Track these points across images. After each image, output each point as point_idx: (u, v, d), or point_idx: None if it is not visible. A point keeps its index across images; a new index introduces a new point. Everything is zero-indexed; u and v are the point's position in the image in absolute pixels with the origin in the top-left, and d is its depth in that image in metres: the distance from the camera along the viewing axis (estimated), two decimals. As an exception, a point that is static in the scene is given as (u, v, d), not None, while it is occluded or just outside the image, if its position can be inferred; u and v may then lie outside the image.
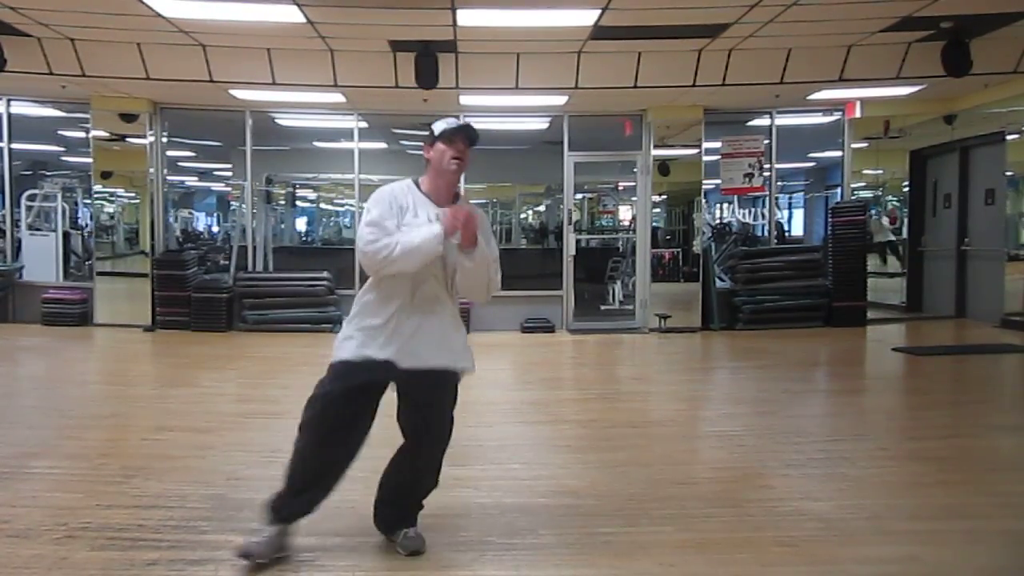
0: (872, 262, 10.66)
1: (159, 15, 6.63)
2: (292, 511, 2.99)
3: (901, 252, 11.41)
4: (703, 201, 10.26)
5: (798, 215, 14.31)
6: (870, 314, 9.83)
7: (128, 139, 9.64)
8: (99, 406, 5.77)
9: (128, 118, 9.51)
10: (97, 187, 9.85)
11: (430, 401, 3.03)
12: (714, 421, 5.59)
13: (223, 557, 3.01)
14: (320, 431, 2.94)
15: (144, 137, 9.57)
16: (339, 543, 3.17)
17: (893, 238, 11.67)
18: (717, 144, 9.98)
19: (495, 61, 8.13)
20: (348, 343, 2.96)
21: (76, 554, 3.01)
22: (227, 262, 10.53)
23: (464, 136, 2.99)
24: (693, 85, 8.38)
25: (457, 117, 3.17)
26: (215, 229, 14.79)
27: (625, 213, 13.84)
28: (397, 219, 2.90)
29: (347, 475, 4.02)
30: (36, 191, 10.19)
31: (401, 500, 3.13)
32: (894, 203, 12.06)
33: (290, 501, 2.98)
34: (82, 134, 10.00)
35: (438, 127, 3.01)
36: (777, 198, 10.90)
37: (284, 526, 2.99)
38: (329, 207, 16.42)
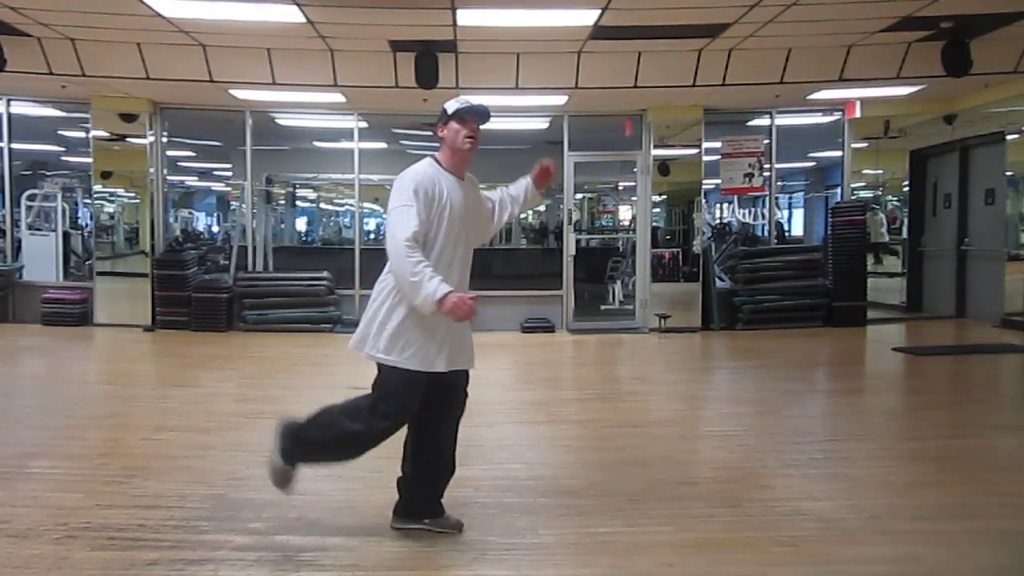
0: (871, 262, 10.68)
1: (159, 15, 6.63)
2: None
3: (898, 253, 11.42)
4: (703, 201, 10.27)
5: (798, 215, 14.32)
6: (870, 314, 9.82)
7: (128, 139, 9.63)
8: (99, 406, 5.77)
9: (128, 118, 9.50)
10: (97, 187, 9.84)
11: (462, 386, 3.25)
12: (714, 421, 5.59)
13: (223, 557, 3.02)
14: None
15: (144, 137, 9.57)
16: (339, 543, 3.16)
17: (886, 239, 11.67)
18: (717, 144, 9.98)
19: (495, 61, 8.13)
20: (416, 352, 3.02)
21: (76, 554, 3.01)
22: (227, 262, 10.53)
23: (476, 115, 3.14)
24: (693, 85, 8.38)
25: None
26: (215, 229, 14.80)
27: (625, 213, 13.84)
28: (427, 212, 2.99)
29: (347, 475, 4.04)
30: (36, 191, 10.20)
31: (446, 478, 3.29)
32: (894, 203, 12.06)
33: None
34: (82, 134, 10.00)
35: (451, 106, 3.14)
36: (777, 198, 10.90)
37: None
38: (329, 207, 16.43)
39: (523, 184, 3.44)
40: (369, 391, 3.12)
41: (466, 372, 3.22)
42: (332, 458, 3.27)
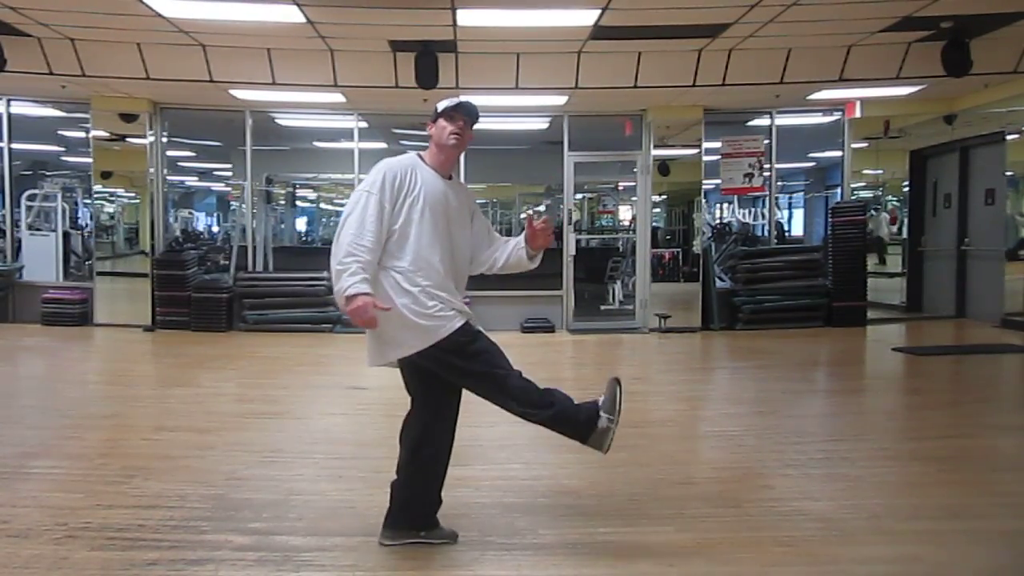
0: (872, 262, 10.69)
1: (159, 15, 6.63)
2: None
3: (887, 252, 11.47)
4: (703, 201, 10.27)
5: (798, 215, 14.30)
6: (870, 314, 9.83)
7: (128, 139, 9.64)
8: (99, 406, 5.77)
9: (128, 118, 9.51)
10: (97, 187, 9.85)
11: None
12: (714, 421, 5.59)
13: (223, 557, 3.02)
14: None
15: (144, 137, 9.57)
16: (339, 543, 3.16)
17: (885, 236, 11.69)
18: (717, 144, 9.98)
19: (495, 61, 8.13)
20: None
21: (76, 554, 3.01)
22: (227, 262, 10.53)
23: (464, 112, 3.12)
24: (693, 85, 8.38)
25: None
26: (215, 229, 14.80)
27: (625, 213, 13.85)
28: (392, 200, 2.96)
29: (347, 475, 4.05)
30: (36, 191, 10.20)
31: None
32: (894, 203, 12.06)
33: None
34: (82, 134, 10.00)
35: (441, 104, 3.14)
36: (777, 198, 10.90)
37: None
38: (329, 207, 16.43)
39: (519, 238, 3.30)
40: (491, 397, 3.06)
41: None
42: (565, 405, 3.07)
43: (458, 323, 2.97)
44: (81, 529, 3.24)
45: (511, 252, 3.26)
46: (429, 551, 3.08)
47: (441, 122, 3.10)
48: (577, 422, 3.01)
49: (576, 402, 3.05)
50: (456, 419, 3.17)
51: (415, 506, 3.13)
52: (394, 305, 2.95)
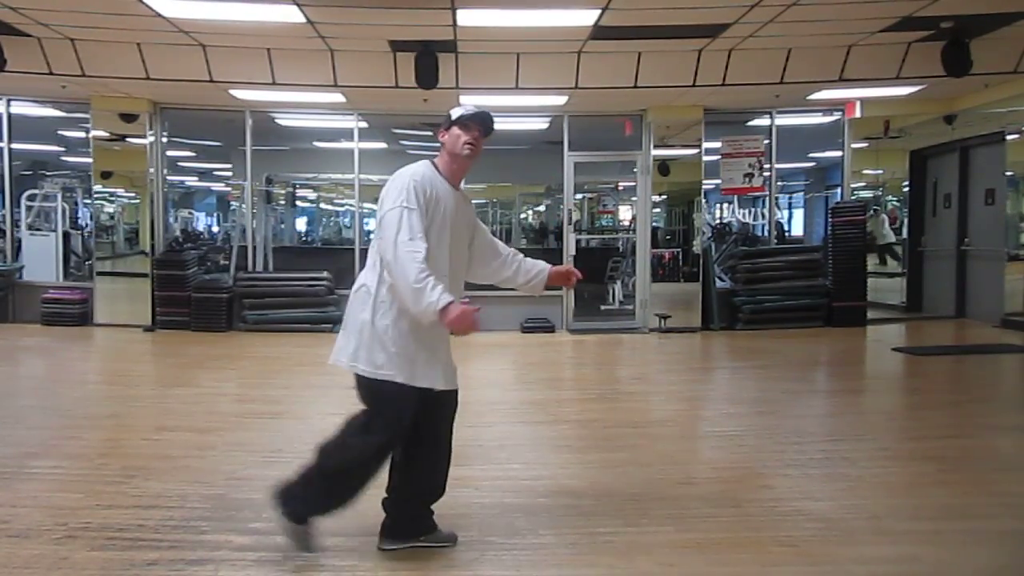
0: (871, 262, 10.70)
1: (159, 15, 6.63)
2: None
3: (900, 254, 11.44)
4: (703, 201, 10.27)
5: (798, 215, 14.32)
6: (870, 314, 9.82)
7: (128, 139, 9.63)
8: (99, 406, 5.77)
9: (128, 118, 9.50)
10: (97, 187, 9.84)
11: (453, 405, 3.13)
12: (714, 421, 5.59)
13: (223, 557, 3.02)
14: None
15: (144, 137, 9.56)
16: (339, 543, 3.16)
17: (893, 240, 11.69)
18: (717, 144, 9.98)
19: (495, 61, 8.12)
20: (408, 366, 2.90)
21: (76, 554, 3.02)
22: (227, 262, 10.53)
23: (479, 123, 3.02)
24: (693, 85, 8.38)
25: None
26: (215, 229, 14.81)
27: (625, 213, 13.85)
28: (425, 212, 2.88)
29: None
30: (36, 191, 10.20)
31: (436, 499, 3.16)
32: (894, 203, 12.07)
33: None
34: (82, 134, 10.00)
35: (455, 112, 3.05)
36: (777, 198, 10.90)
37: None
38: (329, 207, 16.45)
39: (540, 266, 3.30)
40: (349, 421, 2.99)
41: (456, 392, 3.10)
42: (337, 500, 2.98)
43: (403, 380, 2.87)
44: (81, 529, 3.25)
45: (530, 279, 3.29)
46: (429, 551, 3.08)
47: (455, 130, 2.99)
48: (323, 497, 2.94)
49: (332, 501, 2.96)
50: (441, 436, 3.08)
51: (410, 519, 3.11)
52: (402, 328, 2.89)
